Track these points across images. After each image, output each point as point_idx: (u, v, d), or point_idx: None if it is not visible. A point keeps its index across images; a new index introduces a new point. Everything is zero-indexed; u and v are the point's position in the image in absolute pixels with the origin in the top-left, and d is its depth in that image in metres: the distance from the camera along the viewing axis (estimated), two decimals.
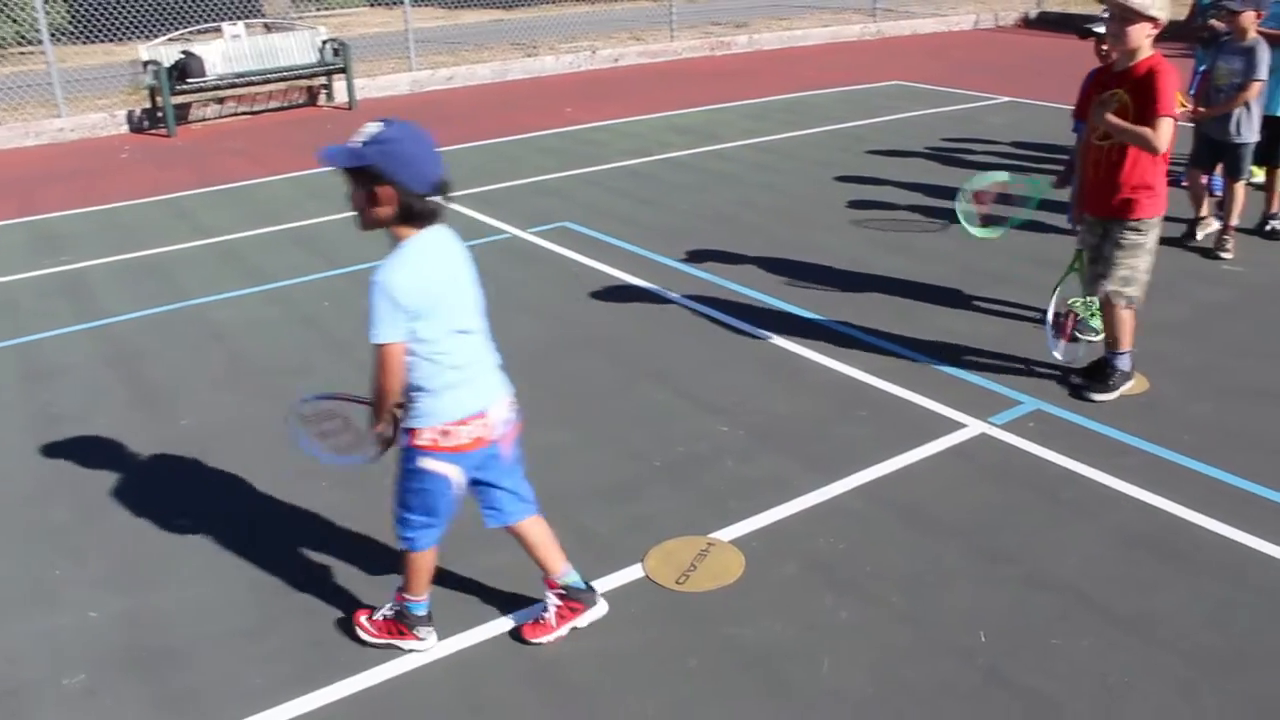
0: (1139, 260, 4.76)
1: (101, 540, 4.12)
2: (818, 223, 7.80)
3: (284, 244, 7.71)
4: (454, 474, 3.20)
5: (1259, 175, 7.80)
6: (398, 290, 2.94)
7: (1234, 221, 6.82)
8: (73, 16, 15.72)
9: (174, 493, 4.45)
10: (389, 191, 2.94)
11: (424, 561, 3.38)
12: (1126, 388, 4.89)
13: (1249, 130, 6.63)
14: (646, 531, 4.05)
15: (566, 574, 3.50)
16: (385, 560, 3.91)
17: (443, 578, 3.78)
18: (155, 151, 11.13)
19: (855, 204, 8.21)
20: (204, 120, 12.50)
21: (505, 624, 3.55)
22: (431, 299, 3.01)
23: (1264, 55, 6.37)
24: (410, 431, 3.17)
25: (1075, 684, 3.20)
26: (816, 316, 6.03)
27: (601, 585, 3.73)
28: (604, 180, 9.20)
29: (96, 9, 14.28)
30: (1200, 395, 4.98)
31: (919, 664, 3.32)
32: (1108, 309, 4.84)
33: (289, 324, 6.21)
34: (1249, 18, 6.37)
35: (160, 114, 11.89)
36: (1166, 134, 4.47)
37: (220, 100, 12.60)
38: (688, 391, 5.18)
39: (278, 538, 4.09)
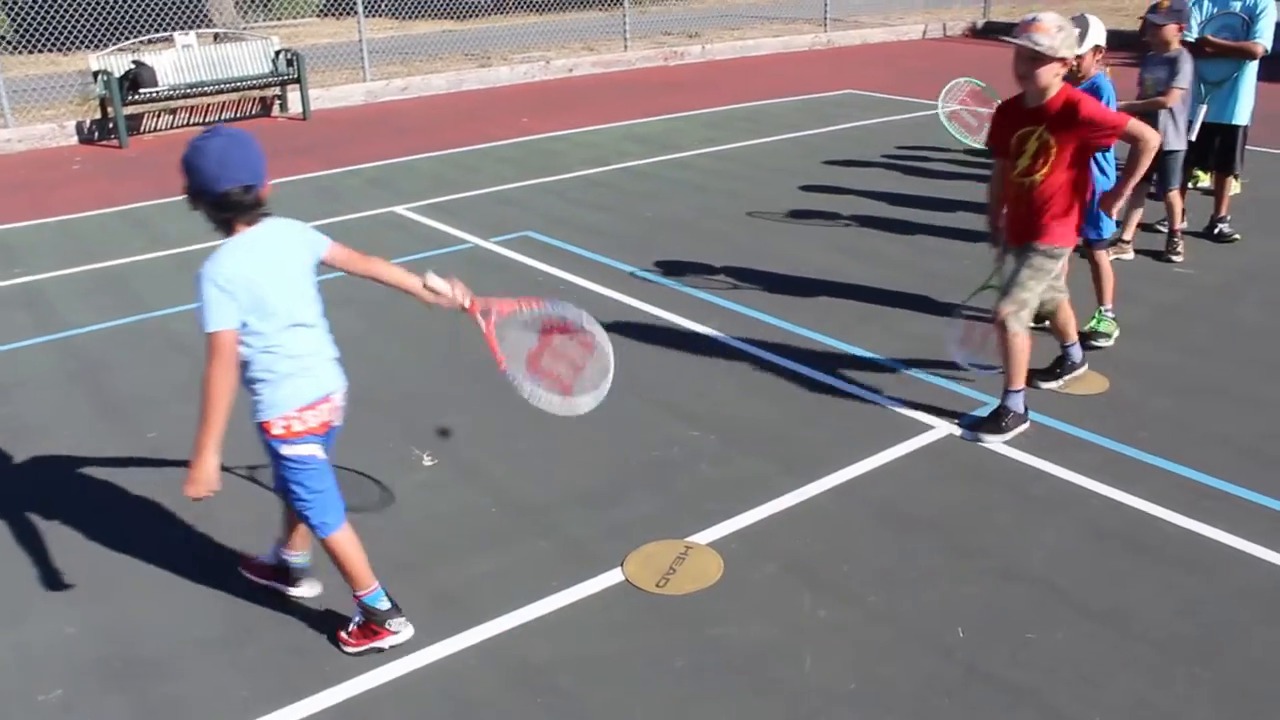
0: (1039, 285, 4.67)
1: (73, 554, 4.06)
2: (779, 230, 7.89)
3: None
4: (317, 451, 3.38)
5: (1205, 180, 8.01)
6: (220, 277, 3.10)
7: (1179, 225, 6.97)
8: (16, 26, 15.49)
9: (144, 505, 4.40)
10: (191, 194, 3.19)
11: (346, 547, 3.43)
12: (1021, 429, 4.72)
13: (1176, 139, 6.71)
14: (625, 536, 4.07)
15: (295, 555, 3.69)
16: None
17: (426, 585, 3.80)
18: (108, 162, 10.99)
19: (816, 211, 8.30)
20: (156, 131, 12.35)
21: (489, 630, 3.56)
22: (256, 289, 3.14)
23: (1186, 65, 6.48)
24: (263, 425, 3.30)
25: (1054, 675, 3.27)
26: (782, 322, 6.09)
27: (582, 590, 3.76)
28: (564, 190, 9.23)
29: (41, 19, 14.08)
30: (1158, 393, 5.10)
31: (901, 660, 3.38)
32: (1001, 334, 4.66)
33: None
34: (1171, 30, 6.51)
35: (111, 124, 11.73)
36: (1144, 128, 4.47)
37: (172, 111, 12.47)
38: (658, 397, 5.21)
39: (251, 548, 4.05)
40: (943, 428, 4.81)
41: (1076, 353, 5.18)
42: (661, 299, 6.48)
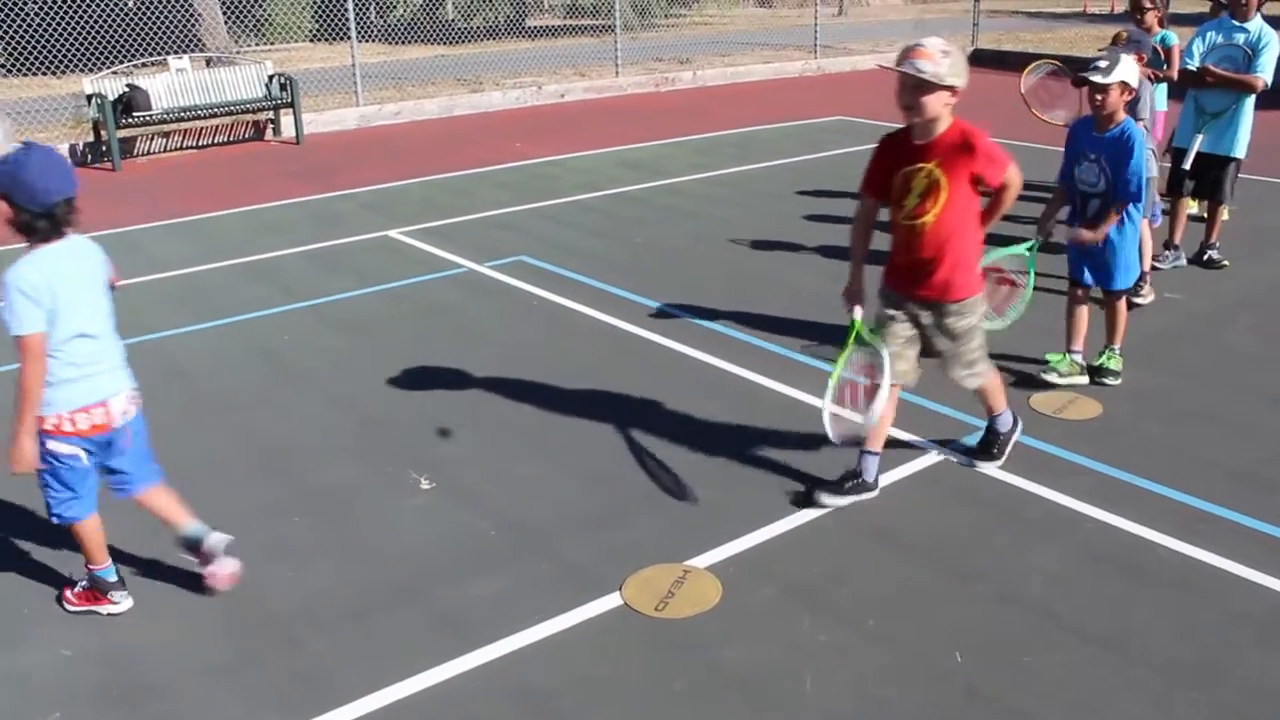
0: (976, 339, 4.42)
1: (70, 577, 4.05)
2: (771, 255, 7.94)
3: (239, 278, 7.66)
4: (80, 453, 3.64)
5: (1194, 207, 8.09)
6: (24, 284, 3.39)
7: (1147, 265, 6.63)
8: (8, 48, 15.53)
9: (140, 528, 4.38)
10: (5, 207, 3.43)
11: (86, 531, 3.77)
12: (1014, 441, 4.74)
13: (1151, 164, 6.42)
14: (622, 561, 4.07)
15: (189, 527, 3.91)
16: (362, 594, 3.92)
17: (427, 608, 3.81)
18: (101, 185, 10.98)
19: (807, 236, 8.35)
20: (149, 154, 12.38)
21: (492, 653, 3.56)
22: (54, 296, 3.42)
23: (1145, 95, 6.35)
24: (39, 418, 3.55)
25: (1053, 699, 3.29)
26: (775, 347, 6.12)
27: (582, 614, 3.77)
28: (558, 214, 9.27)
29: (34, 42, 14.10)
30: (1151, 418, 5.14)
31: (900, 683, 3.39)
32: (977, 391, 4.62)
33: (248, 357, 6.17)
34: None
35: (105, 147, 11.75)
36: (1017, 175, 4.21)
37: (166, 134, 12.49)
38: (654, 421, 5.23)
39: (250, 571, 4.04)
40: (936, 452, 4.84)
41: (872, 466, 4.47)
42: (655, 324, 6.51)
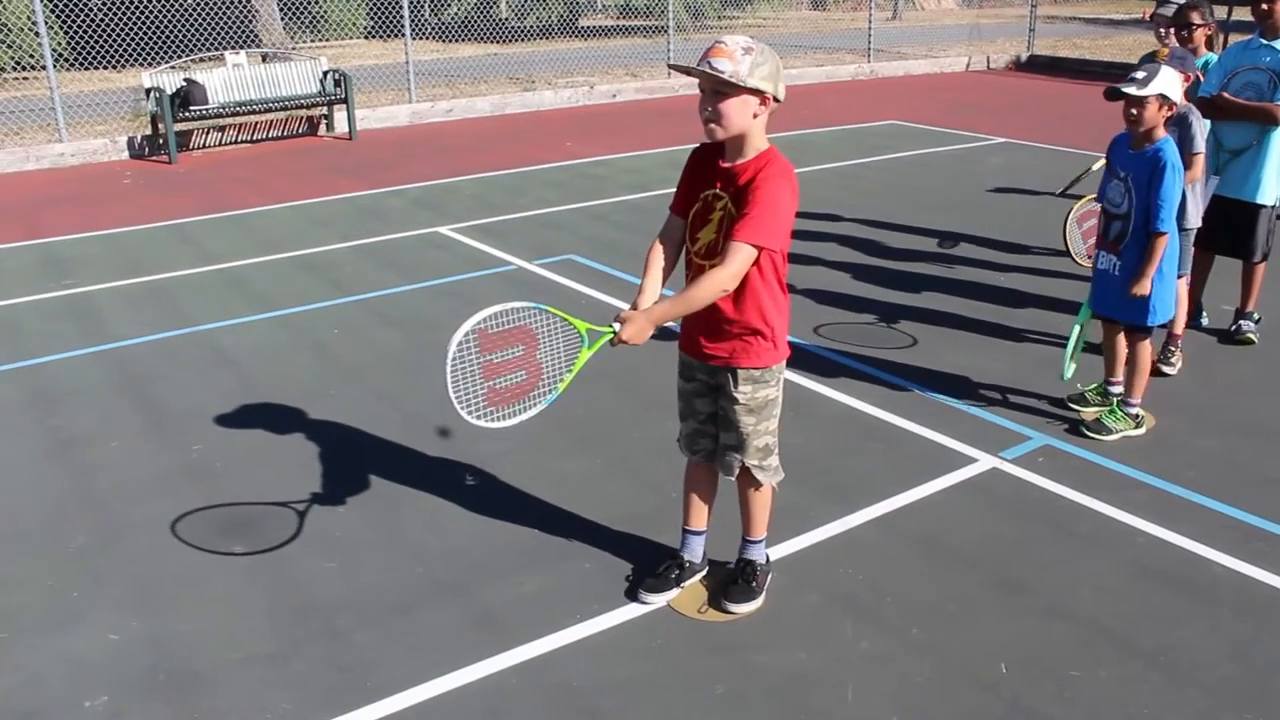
0: (774, 418, 3.70)
1: (119, 564, 4.11)
2: (822, 258, 7.88)
3: (290, 271, 7.74)
4: None
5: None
6: None
7: (1180, 329, 5.78)
8: (71, 43, 15.80)
9: (190, 517, 4.45)
10: None
11: None
12: (766, 585, 3.87)
13: (1195, 215, 5.60)
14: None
15: None
16: (406, 588, 3.94)
17: (470, 604, 3.82)
18: (157, 178, 11.16)
19: (858, 240, 8.30)
20: (205, 147, 12.55)
21: (532, 651, 3.56)
22: None
23: (1197, 124, 5.43)
24: None
25: (1099, 715, 3.23)
26: (824, 350, 6.08)
27: (624, 614, 3.75)
28: (608, 214, 9.27)
29: (95, 37, 14.36)
30: (1206, 432, 5.05)
31: (943, 694, 3.35)
32: (746, 487, 3.79)
33: (298, 350, 6.23)
34: None
35: (162, 140, 11.94)
36: (742, 264, 3.37)
37: (221, 128, 12.66)
38: None
39: (295, 563, 4.10)
40: (986, 461, 4.78)
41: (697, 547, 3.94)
42: None
